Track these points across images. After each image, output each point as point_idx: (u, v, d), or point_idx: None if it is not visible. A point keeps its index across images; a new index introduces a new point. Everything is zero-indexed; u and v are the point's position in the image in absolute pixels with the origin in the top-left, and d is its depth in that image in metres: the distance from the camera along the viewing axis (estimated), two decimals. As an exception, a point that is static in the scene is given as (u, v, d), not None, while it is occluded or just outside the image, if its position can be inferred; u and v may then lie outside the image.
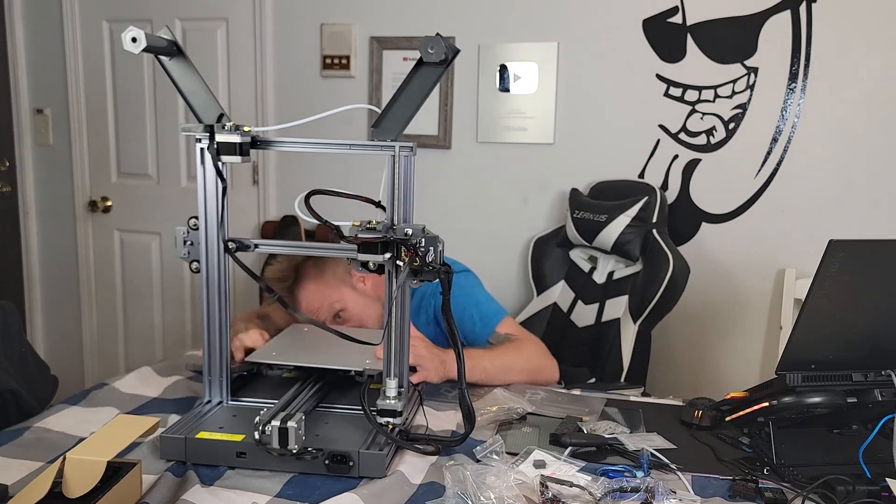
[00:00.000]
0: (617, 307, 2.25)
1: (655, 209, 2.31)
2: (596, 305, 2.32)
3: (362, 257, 1.15)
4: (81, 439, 1.22)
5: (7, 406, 1.41)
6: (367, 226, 1.16)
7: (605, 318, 2.28)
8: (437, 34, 1.14)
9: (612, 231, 2.27)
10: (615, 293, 2.28)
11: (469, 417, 1.19)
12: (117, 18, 3.08)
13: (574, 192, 2.50)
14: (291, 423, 1.08)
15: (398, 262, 1.16)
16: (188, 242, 1.26)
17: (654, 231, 2.27)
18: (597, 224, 2.31)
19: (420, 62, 1.17)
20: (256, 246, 1.27)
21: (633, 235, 2.26)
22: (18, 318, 1.65)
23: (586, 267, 2.42)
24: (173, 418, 1.31)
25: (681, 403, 1.49)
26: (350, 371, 1.35)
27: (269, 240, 1.39)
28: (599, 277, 2.36)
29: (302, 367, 1.40)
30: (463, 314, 1.68)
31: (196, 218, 1.25)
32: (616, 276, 2.31)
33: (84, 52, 3.14)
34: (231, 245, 1.25)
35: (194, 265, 1.27)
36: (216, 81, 2.96)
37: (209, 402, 1.30)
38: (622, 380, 2.17)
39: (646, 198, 2.30)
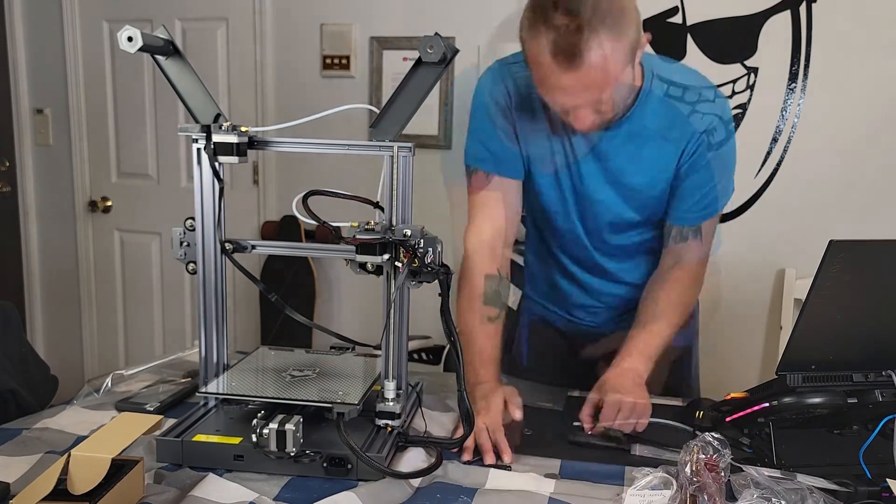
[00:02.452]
0: None
1: None
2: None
3: (360, 258, 1.14)
4: (81, 438, 1.22)
5: (7, 406, 1.41)
6: (366, 226, 1.16)
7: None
8: (437, 34, 1.13)
9: None
10: None
11: (468, 419, 1.19)
12: (117, 19, 3.08)
13: None
14: (289, 426, 1.07)
15: (397, 263, 1.16)
16: (185, 243, 1.26)
17: None
18: None
19: (419, 62, 1.16)
20: (254, 247, 1.27)
21: None
22: (18, 318, 1.65)
23: None
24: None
25: (680, 403, 1.49)
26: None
27: (268, 240, 1.39)
28: None
29: (266, 401, 1.21)
30: (705, 182, 1.42)
31: (192, 219, 1.25)
32: None
33: (84, 52, 3.15)
34: (228, 246, 1.25)
35: (191, 266, 1.26)
36: (216, 82, 2.96)
37: (205, 404, 1.29)
38: None
39: None
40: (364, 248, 1.13)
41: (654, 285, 1.47)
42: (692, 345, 1.65)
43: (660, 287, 1.45)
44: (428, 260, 1.15)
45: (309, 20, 2.85)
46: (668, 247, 1.47)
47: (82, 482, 0.93)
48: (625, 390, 1.28)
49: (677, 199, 1.43)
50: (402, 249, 1.14)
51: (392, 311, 1.20)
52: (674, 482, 1.07)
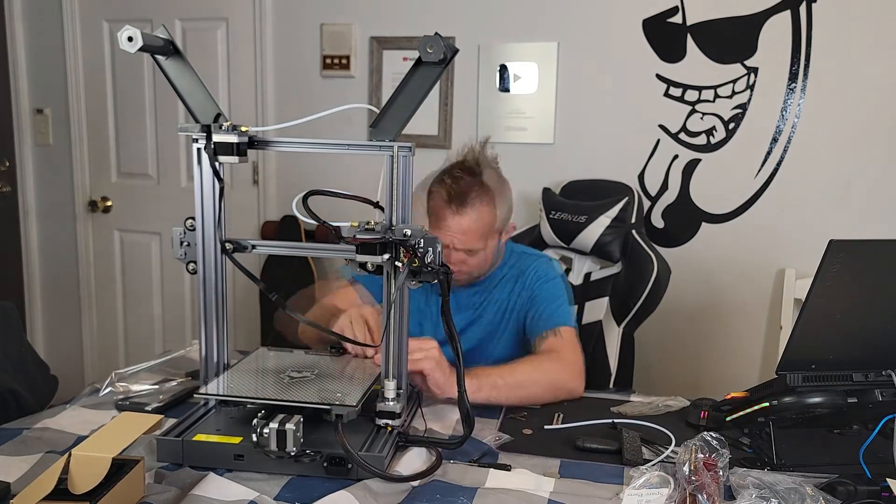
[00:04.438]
0: (597, 309, 2.18)
1: (633, 209, 2.27)
2: (574, 308, 2.24)
3: (360, 258, 1.14)
4: (81, 437, 1.22)
5: (7, 406, 1.41)
6: (366, 226, 1.16)
7: (585, 320, 2.20)
8: (436, 33, 1.13)
9: (593, 232, 2.21)
10: (594, 295, 2.21)
11: (467, 420, 1.19)
12: (117, 18, 3.08)
13: (546, 191, 2.44)
14: (290, 426, 1.07)
15: (397, 263, 1.16)
16: (185, 243, 1.26)
17: (634, 232, 2.23)
18: (576, 225, 2.23)
19: (419, 62, 1.16)
20: (254, 247, 1.27)
21: (613, 236, 2.20)
22: (18, 318, 1.65)
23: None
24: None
25: (684, 404, 1.49)
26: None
27: (268, 240, 1.39)
28: (576, 279, 2.27)
29: (265, 402, 1.19)
30: (542, 302, 1.71)
31: (193, 218, 1.25)
32: (594, 278, 2.24)
33: (84, 52, 3.14)
34: (228, 246, 1.25)
35: (191, 266, 1.26)
36: (216, 81, 2.96)
37: (205, 404, 1.29)
38: (611, 385, 2.12)
39: (626, 198, 2.26)
40: (364, 247, 1.13)
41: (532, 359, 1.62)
42: None
43: (532, 361, 1.60)
44: (428, 260, 1.15)
45: (309, 20, 2.85)
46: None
47: (83, 482, 0.94)
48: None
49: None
50: (402, 249, 1.14)
51: (392, 310, 1.20)
52: (671, 481, 1.07)
